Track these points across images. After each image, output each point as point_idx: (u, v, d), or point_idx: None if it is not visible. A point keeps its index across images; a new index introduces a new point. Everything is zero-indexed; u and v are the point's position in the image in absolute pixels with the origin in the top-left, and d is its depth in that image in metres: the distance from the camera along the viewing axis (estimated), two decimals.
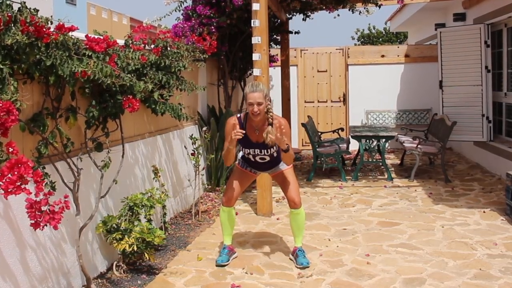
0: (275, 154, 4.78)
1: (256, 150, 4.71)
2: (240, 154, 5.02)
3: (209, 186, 7.74)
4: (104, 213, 4.70)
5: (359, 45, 28.18)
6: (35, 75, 3.57)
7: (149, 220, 4.95)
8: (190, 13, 7.82)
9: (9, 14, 3.23)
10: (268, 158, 4.78)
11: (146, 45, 5.19)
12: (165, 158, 6.30)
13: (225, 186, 5.64)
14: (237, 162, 5.05)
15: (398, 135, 9.88)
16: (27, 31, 3.28)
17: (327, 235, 5.69)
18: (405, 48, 12.47)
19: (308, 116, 10.22)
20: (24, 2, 3.33)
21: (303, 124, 8.85)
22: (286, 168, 4.89)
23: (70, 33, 3.72)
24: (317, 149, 8.80)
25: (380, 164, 9.13)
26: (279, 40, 9.97)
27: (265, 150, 4.69)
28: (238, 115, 4.76)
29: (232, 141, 4.51)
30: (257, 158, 4.79)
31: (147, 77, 4.80)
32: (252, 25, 6.27)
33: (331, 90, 12.54)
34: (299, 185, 5.09)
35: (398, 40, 27.66)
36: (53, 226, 3.11)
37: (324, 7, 8.97)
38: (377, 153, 9.20)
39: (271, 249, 5.27)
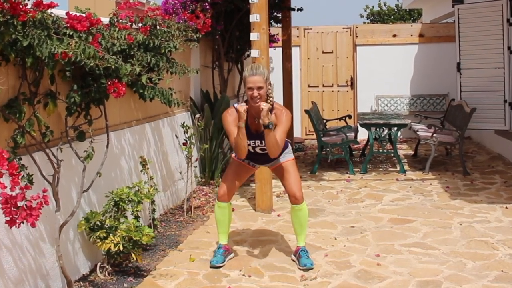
0: None
1: (256, 141, 4.71)
2: None
3: (203, 180, 7.75)
4: (86, 209, 4.70)
5: (368, 23, 28.13)
6: (11, 57, 3.56)
7: (137, 217, 4.95)
8: None
9: None
10: None
11: (133, 24, 5.16)
12: (154, 149, 6.30)
13: (220, 179, 5.64)
14: (233, 154, 5.06)
15: (412, 123, 9.88)
16: (1, 8, 3.26)
17: (333, 234, 5.71)
18: (419, 27, 12.44)
19: (312, 102, 10.21)
20: None
21: (306, 111, 8.85)
22: (286, 160, 4.89)
23: (49, 10, 3.70)
24: (322, 139, 8.80)
25: (392, 155, 9.14)
26: (280, 18, 9.94)
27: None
28: (235, 105, 4.75)
29: (241, 118, 4.51)
30: (257, 149, 4.79)
31: (134, 58, 4.78)
32: (250, 1, 6.24)
33: (338, 73, 12.52)
34: (301, 178, 5.10)
35: (412, 18, 27.60)
36: (31, 224, 3.10)
37: None
38: (388, 142, 9.20)
39: (271, 249, 5.28)
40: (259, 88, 4.52)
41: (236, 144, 4.62)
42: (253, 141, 4.72)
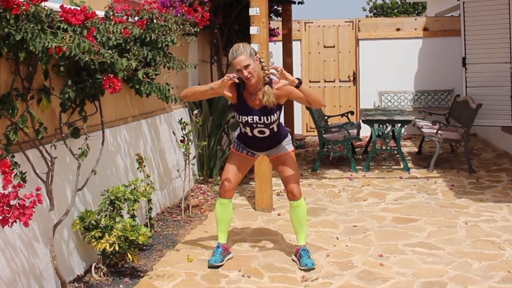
0: (275, 129, 4.77)
1: (254, 117, 4.70)
2: (236, 133, 5.03)
3: (201, 178, 7.74)
4: (81, 208, 4.70)
5: (371, 17, 28.11)
6: (3, 51, 3.55)
7: (133, 216, 4.95)
8: None
9: None
10: (267, 132, 4.77)
11: (129, 17, 5.16)
12: (150, 146, 6.29)
13: (219, 178, 5.63)
14: (232, 145, 5.07)
15: (416, 120, 9.88)
16: None
17: (335, 233, 5.71)
18: (423, 21, 12.43)
19: None
20: None
21: (307, 107, 8.84)
22: (287, 151, 4.90)
23: (42, 4, 3.69)
24: (324, 135, 8.80)
25: (395, 152, 9.13)
26: (280, 11, 9.94)
27: (265, 118, 4.69)
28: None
29: (221, 84, 4.60)
30: (256, 132, 4.78)
31: (130, 53, 4.77)
32: None
33: (340, 68, 12.52)
34: (302, 176, 5.09)
35: (416, 12, 27.60)
36: (24, 223, 3.10)
37: None
38: (391, 139, 9.19)
39: (271, 249, 5.29)
40: (246, 66, 4.53)
41: (194, 89, 4.82)
42: (251, 116, 4.71)
